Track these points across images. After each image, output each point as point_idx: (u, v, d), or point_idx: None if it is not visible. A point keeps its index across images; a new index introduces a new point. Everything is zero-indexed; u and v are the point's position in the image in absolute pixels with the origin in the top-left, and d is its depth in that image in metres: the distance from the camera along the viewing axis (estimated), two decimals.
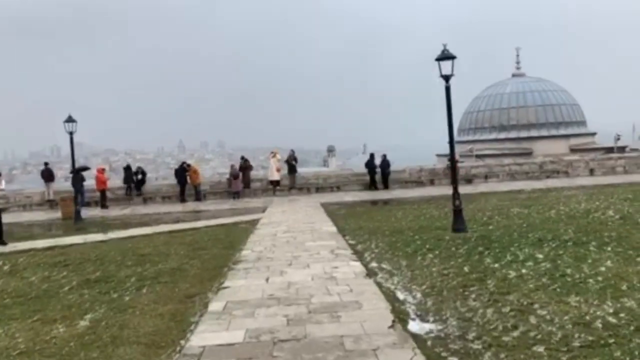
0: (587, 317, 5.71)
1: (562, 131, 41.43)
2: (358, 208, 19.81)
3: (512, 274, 7.91)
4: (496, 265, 8.57)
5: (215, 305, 7.04)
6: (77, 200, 23.92)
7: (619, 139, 40.81)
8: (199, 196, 26.36)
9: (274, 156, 27.29)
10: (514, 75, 45.70)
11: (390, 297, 7.05)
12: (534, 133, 41.44)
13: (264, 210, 20.69)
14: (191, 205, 24.69)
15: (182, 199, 26.30)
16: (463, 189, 25.82)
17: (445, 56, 12.57)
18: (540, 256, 8.97)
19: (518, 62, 46.00)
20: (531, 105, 42.20)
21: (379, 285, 7.72)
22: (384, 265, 9.10)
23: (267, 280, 8.33)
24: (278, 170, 27.12)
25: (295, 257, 10.09)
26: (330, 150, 53.80)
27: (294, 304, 6.86)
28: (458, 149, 46.15)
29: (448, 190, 25.53)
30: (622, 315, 5.71)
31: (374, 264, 9.28)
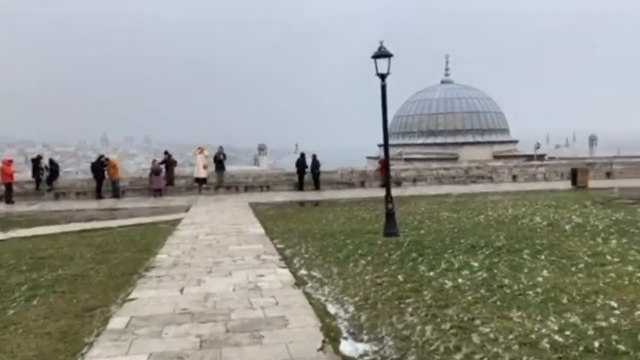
0: (533, 336, 5.25)
1: (487, 138, 42.77)
2: (288, 209, 19.05)
3: (449, 283, 7.43)
4: (431, 273, 8.08)
5: (116, 322, 6.02)
6: None
7: (538, 147, 42.73)
8: (117, 193, 24.58)
9: (201, 152, 25.95)
10: (442, 82, 46.70)
11: (321, 311, 6.33)
12: (460, 139, 42.49)
13: (187, 209, 19.45)
14: (108, 203, 22.92)
15: (99, 195, 24.42)
16: (393, 192, 25.85)
17: (382, 54, 12.08)
18: (476, 264, 8.60)
19: (447, 69, 47.09)
20: (458, 111, 43.25)
21: (308, 296, 6.98)
22: (314, 273, 8.38)
23: (181, 290, 7.37)
24: (205, 167, 25.81)
25: (216, 264, 9.16)
26: (262, 149, 52.73)
27: (210, 320, 5.97)
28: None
29: (378, 193, 25.48)
30: (568, 333, 5.30)
31: (303, 272, 8.54)
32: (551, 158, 41.87)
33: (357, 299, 6.77)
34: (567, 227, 12.43)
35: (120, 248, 11.28)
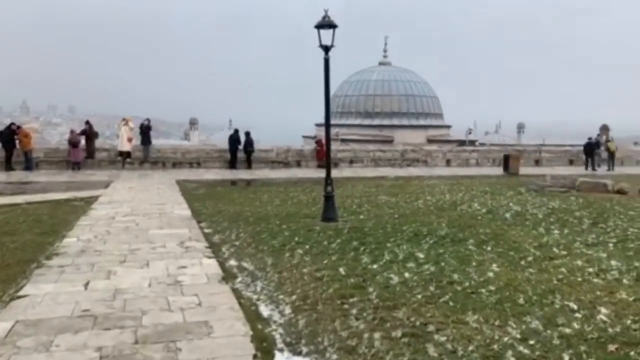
0: (495, 346, 4.62)
1: (422, 122, 42.99)
2: (219, 188, 17.86)
3: (395, 278, 6.74)
4: (375, 266, 7.37)
5: None
6: None
7: (470, 133, 43.53)
8: (29, 164, 22.29)
9: (126, 124, 24.02)
10: (380, 64, 46.37)
11: (252, 313, 5.42)
12: (395, 122, 42.43)
13: (107, 185, 17.80)
14: (18, 175, 20.71)
15: (8, 167, 22.03)
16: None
17: (326, 24, 11.13)
18: (421, 255, 7.98)
19: (385, 51, 46.73)
20: (395, 94, 43.11)
21: (237, 294, 6.05)
22: (245, 264, 7.44)
23: (86, 285, 6.20)
24: (129, 140, 23.94)
25: (132, 251, 7.99)
26: (193, 123, 50.45)
27: (117, 326, 4.92)
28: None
29: (315, 173, 24.75)
30: (532, 342, 4.72)
31: (232, 262, 7.57)
32: (482, 144, 42.74)
33: (294, 297, 5.91)
34: (507, 215, 12.16)
35: (21, 229, 9.80)
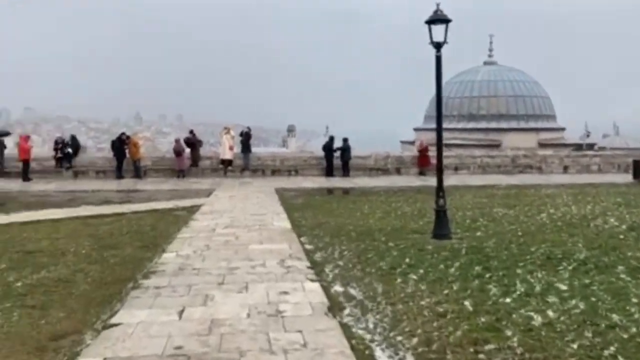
0: None
1: (532, 124, 39.87)
2: (318, 197, 17.24)
3: (537, 318, 5.50)
4: (507, 300, 6.15)
5: None
6: None
7: (588, 135, 39.74)
8: (138, 173, 23.19)
9: (227, 132, 24.31)
10: (485, 63, 43.80)
11: None
12: (503, 124, 39.70)
13: (209, 194, 17.85)
14: (127, 183, 21.55)
15: (119, 175, 23.08)
16: (432, 180, 23.61)
17: (438, 18, 10.02)
18: (563, 287, 6.63)
19: (491, 50, 44.05)
20: (502, 95, 40.40)
21: (347, 332, 5.16)
22: (352, 291, 6.55)
23: (181, 313, 5.63)
24: (231, 148, 24.18)
25: (231, 270, 7.40)
26: (290, 130, 50.93)
27: None
28: (425, 136, 44.20)
29: (416, 181, 23.42)
30: None
31: (338, 287, 6.71)
32: (601, 148, 38.81)
33: (415, 341, 4.91)
34: None
35: (123, 241, 9.67)
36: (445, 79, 42.95)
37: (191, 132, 25.43)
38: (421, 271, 7.45)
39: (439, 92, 10.34)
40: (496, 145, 37.91)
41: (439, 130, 10.54)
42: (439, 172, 10.55)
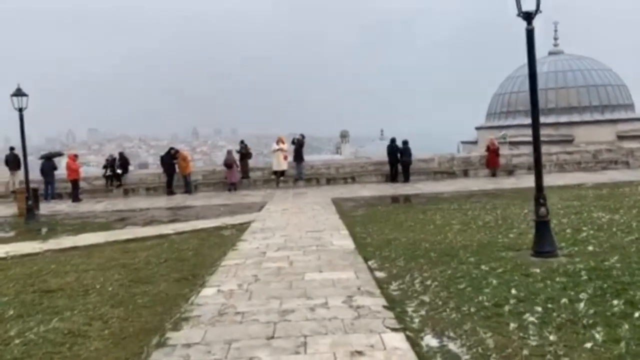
0: None
1: (608, 115, 36.23)
2: (380, 207, 15.36)
3: None
4: None
5: None
6: (40, 193, 19.92)
7: None
8: (188, 188, 22.13)
9: (279, 143, 22.91)
10: (550, 53, 40.45)
11: None
12: (575, 118, 36.30)
13: (260, 207, 16.36)
14: (177, 199, 20.46)
15: (170, 191, 22.09)
16: (506, 183, 21.35)
17: None
18: None
19: (556, 39, 40.65)
20: (572, 86, 37.00)
21: None
22: (451, 346, 4.69)
23: None
24: (285, 158, 22.77)
25: (283, 315, 5.68)
26: (344, 136, 49.20)
27: None
28: (487, 135, 41.32)
29: (488, 184, 21.08)
30: None
31: (431, 340, 4.86)
32: None
33: None
34: None
35: (159, 273, 8.18)
36: (506, 73, 39.69)
37: (242, 142, 24.19)
38: (538, 309, 5.48)
39: (533, 74, 8.36)
40: (569, 141, 34.71)
41: (534, 120, 8.53)
42: (538, 172, 8.50)
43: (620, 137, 35.04)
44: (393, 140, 22.66)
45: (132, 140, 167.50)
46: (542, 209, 8.12)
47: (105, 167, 23.63)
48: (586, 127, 35.78)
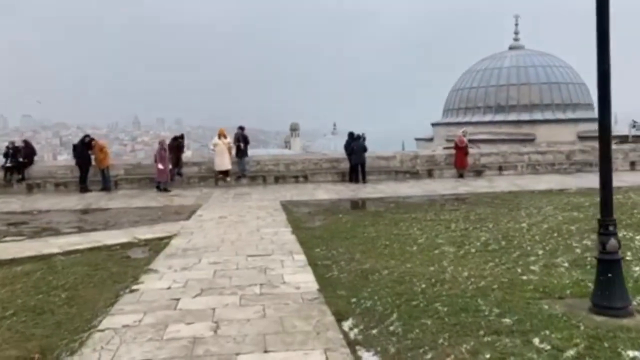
0: None
1: (570, 115, 34.79)
2: (343, 216, 12.28)
3: None
4: None
5: None
6: None
7: (634, 126, 34.73)
8: (106, 185, 18.37)
9: (220, 137, 19.43)
10: (511, 48, 38.84)
11: None
12: (537, 116, 34.64)
13: (191, 213, 12.98)
14: (91, 198, 16.67)
15: (83, 187, 18.26)
16: (477, 185, 18.63)
17: None
18: None
19: (517, 33, 39.02)
20: (534, 82, 35.34)
21: None
22: None
23: None
24: (229, 152, 19.32)
25: None
26: (294, 129, 45.98)
27: None
28: (443, 132, 39.25)
29: (458, 187, 18.16)
30: None
31: None
32: None
33: None
34: None
35: (4, 329, 4.76)
36: (465, 67, 37.37)
37: (176, 138, 20.32)
38: None
39: (604, 37, 5.38)
40: (530, 140, 33.00)
41: (602, 111, 5.52)
42: (605, 182, 5.60)
43: (581, 138, 33.65)
44: (351, 135, 19.66)
45: (69, 127, 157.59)
46: (612, 241, 5.26)
47: (5, 155, 19.37)
48: (548, 126, 34.23)
